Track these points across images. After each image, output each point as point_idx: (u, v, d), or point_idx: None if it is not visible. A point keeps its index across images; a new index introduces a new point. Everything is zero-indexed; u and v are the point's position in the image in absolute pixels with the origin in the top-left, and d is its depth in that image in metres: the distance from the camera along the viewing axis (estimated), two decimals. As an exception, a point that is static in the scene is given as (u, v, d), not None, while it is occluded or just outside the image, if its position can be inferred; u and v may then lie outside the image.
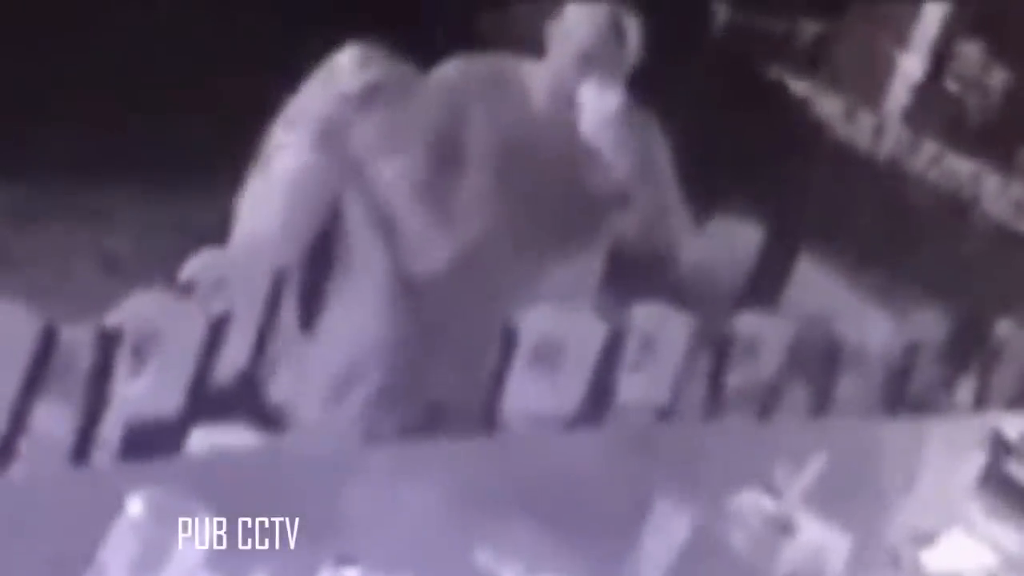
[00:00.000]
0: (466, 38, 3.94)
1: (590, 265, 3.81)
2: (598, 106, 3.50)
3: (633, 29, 3.60)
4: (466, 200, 3.57)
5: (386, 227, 3.57)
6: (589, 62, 3.52)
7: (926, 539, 3.07)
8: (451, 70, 3.66)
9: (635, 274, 3.81)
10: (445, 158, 3.57)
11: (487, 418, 3.49)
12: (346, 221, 3.56)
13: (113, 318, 2.91)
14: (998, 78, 8.25)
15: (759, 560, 2.70)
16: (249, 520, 2.17)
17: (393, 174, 3.57)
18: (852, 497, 3.01)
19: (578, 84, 3.53)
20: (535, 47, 3.66)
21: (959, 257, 7.22)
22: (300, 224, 3.44)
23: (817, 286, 6.88)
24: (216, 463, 2.72)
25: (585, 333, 3.67)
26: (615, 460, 3.11)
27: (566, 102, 3.58)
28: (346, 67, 3.42)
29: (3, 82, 5.11)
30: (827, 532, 2.74)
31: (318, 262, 3.61)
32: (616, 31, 3.57)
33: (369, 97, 3.39)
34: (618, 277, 3.87)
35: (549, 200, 3.61)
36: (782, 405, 4.22)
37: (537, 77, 3.63)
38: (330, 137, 3.39)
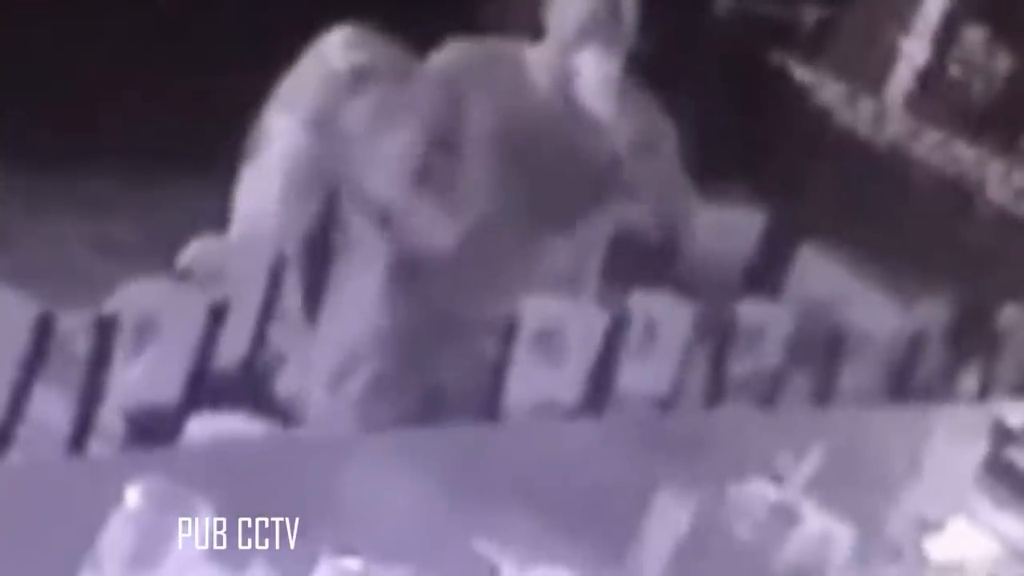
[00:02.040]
0: (465, 23, 3.92)
1: (592, 248, 3.79)
2: (596, 72, 3.50)
3: (630, 8, 3.58)
4: (466, 185, 3.55)
5: (385, 212, 3.55)
6: (587, 40, 3.51)
7: (930, 527, 3.06)
8: (449, 55, 3.64)
9: (638, 262, 3.80)
10: (444, 143, 3.56)
11: (488, 407, 3.47)
12: (344, 206, 3.54)
13: (111, 304, 2.89)
14: (1002, 63, 8.22)
15: (762, 549, 2.68)
16: (249, 510, 2.15)
17: (390, 158, 3.56)
18: (855, 486, 3.00)
19: (576, 60, 3.52)
20: (533, 32, 3.65)
21: (963, 244, 7.21)
22: (298, 208, 3.42)
23: (820, 274, 6.87)
24: (215, 452, 2.70)
25: (587, 321, 3.65)
26: (617, 449, 3.10)
27: (565, 83, 3.57)
28: (336, 47, 3.39)
29: (3, 70, 5.10)
30: (830, 521, 2.72)
31: (318, 248, 3.59)
32: (613, 10, 3.56)
33: (360, 77, 3.37)
34: (621, 265, 3.85)
35: (549, 183, 3.60)
36: (785, 393, 4.21)
37: (536, 59, 3.61)
38: (323, 119, 3.37)
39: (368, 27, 3.43)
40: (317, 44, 3.42)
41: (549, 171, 3.60)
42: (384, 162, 3.56)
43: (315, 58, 3.41)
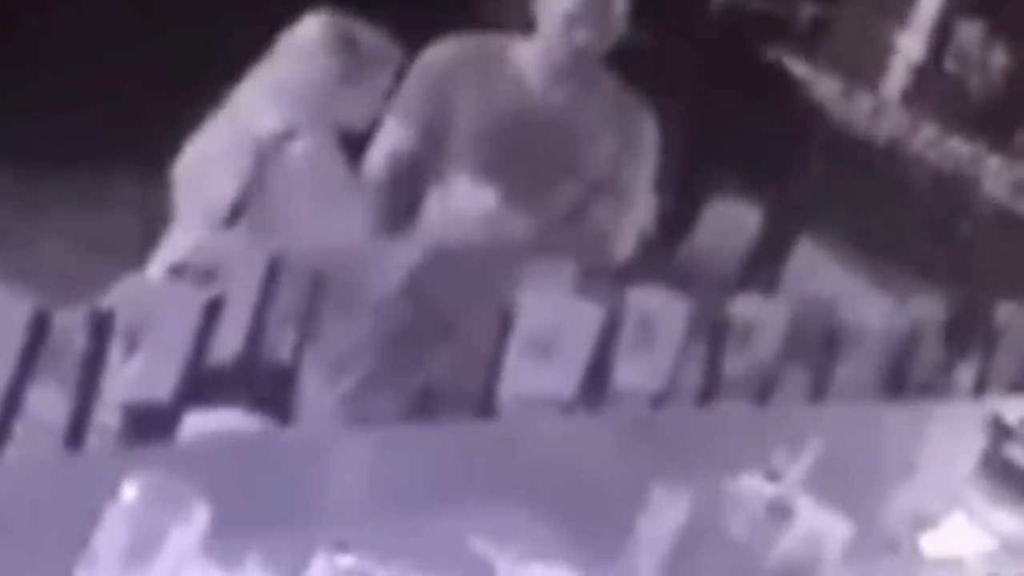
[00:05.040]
0: (458, 16, 3.91)
1: (578, 243, 3.78)
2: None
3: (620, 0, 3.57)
4: (458, 182, 3.55)
5: (378, 206, 3.55)
6: (576, 27, 3.50)
7: (926, 524, 3.06)
8: (441, 51, 3.63)
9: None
10: (437, 139, 3.55)
11: (483, 403, 3.47)
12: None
13: (106, 301, 2.89)
14: (998, 58, 8.23)
15: (757, 545, 2.68)
16: (244, 506, 2.15)
17: (384, 152, 3.55)
18: (851, 482, 3.00)
19: (567, 52, 3.51)
20: (525, 26, 3.64)
21: (959, 239, 7.21)
22: (314, 206, 3.40)
23: (815, 269, 6.86)
24: (211, 448, 2.70)
25: (581, 318, 3.65)
26: (612, 445, 3.10)
27: (557, 77, 3.56)
28: (322, 39, 3.37)
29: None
30: (826, 517, 2.72)
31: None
32: (602, 1, 3.55)
33: (351, 67, 3.35)
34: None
35: (538, 178, 3.59)
36: (780, 389, 4.21)
37: (527, 54, 3.60)
38: (323, 114, 3.35)
39: (349, 14, 3.42)
40: (296, 31, 3.40)
41: (538, 166, 3.59)
42: (380, 157, 3.56)
43: (297, 47, 3.38)
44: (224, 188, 3.31)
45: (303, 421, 3.35)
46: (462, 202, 3.53)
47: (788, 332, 4.20)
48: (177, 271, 3.16)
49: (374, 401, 3.52)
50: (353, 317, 3.54)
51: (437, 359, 3.57)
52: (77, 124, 5.21)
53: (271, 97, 3.34)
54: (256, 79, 3.38)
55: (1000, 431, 3.60)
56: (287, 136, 3.30)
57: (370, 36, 3.38)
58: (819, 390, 4.37)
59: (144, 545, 1.82)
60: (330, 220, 3.34)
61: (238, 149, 3.31)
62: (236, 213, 3.30)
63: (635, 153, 3.68)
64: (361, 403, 3.52)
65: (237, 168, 3.30)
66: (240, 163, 3.30)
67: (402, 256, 3.53)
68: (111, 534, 1.84)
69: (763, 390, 4.18)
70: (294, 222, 3.31)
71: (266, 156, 3.29)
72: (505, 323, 3.50)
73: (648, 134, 3.71)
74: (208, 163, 3.38)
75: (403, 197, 3.56)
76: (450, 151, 3.56)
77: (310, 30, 3.38)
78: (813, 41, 8.13)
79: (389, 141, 3.57)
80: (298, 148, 3.30)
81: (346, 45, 3.33)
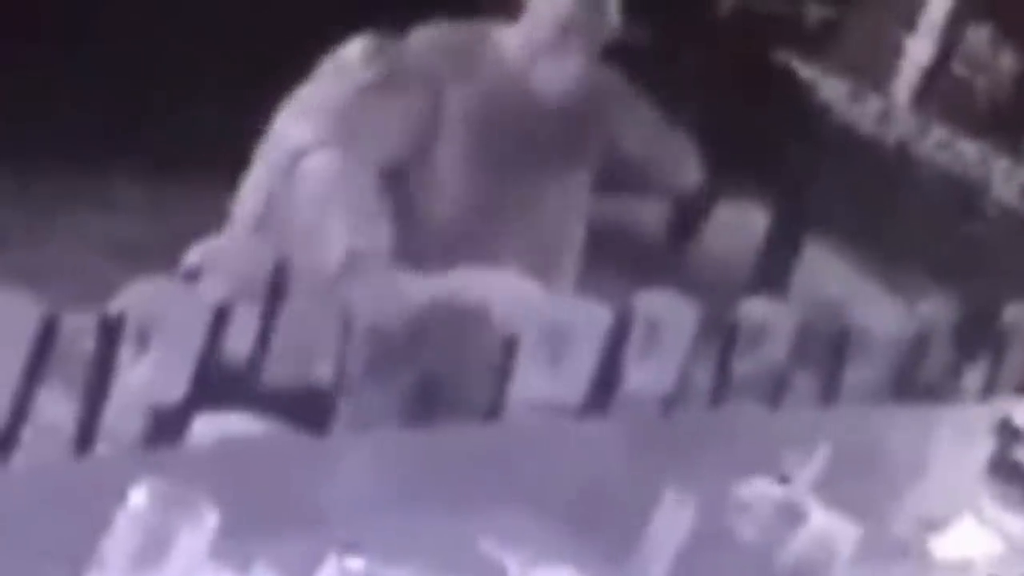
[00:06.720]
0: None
1: (573, 237, 3.78)
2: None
3: None
4: (445, 172, 3.53)
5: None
6: (567, 27, 3.48)
7: (935, 526, 3.06)
8: (424, 39, 3.61)
9: (642, 253, 3.79)
10: (426, 132, 3.54)
11: (492, 407, 3.47)
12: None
13: (116, 305, 2.90)
14: (1006, 62, 8.22)
15: (767, 548, 2.68)
16: (253, 509, 2.15)
17: (382, 147, 3.55)
18: (861, 485, 3.00)
19: (552, 50, 3.49)
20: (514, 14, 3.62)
21: (968, 242, 7.20)
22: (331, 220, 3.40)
23: (825, 272, 6.87)
24: (220, 452, 2.71)
25: (590, 321, 3.65)
26: (622, 448, 3.10)
27: (545, 64, 3.54)
28: (360, 57, 3.37)
29: (7, 68, 5.10)
30: (835, 520, 2.72)
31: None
32: None
33: (384, 89, 3.36)
34: (624, 258, 3.83)
35: (528, 168, 3.58)
36: (790, 392, 4.20)
37: (511, 42, 3.58)
38: (355, 135, 3.36)
39: (384, 35, 3.42)
40: (339, 52, 3.41)
41: (527, 155, 3.58)
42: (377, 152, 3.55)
43: (339, 71, 3.38)
44: (252, 200, 3.34)
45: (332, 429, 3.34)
46: (455, 194, 3.52)
47: (797, 335, 4.19)
48: (190, 275, 3.16)
49: (372, 402, 3.51)
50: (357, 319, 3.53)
51: (445, 362, 3.56)
52: (87, 126, 5.22)
53: (305, 112, 3.36)
54: (295, 99, 3.41)
55: (1009, 434, 3.59)
56: (315, 147, 3.32)
57: (407, 56, 3.39)
58: (829, 393, 4.36)
59: (153, 549, 1.83)
60: (351, 231, 3.34)
61: (270, 164, 3.34)
62: (259, 221, 3.31)
63: (631, 121, 3.67)
64: (360, 404, 3.50)
65: (265, 180, 3.33)
66: (268, 175, 3.32)
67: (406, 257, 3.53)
68: (120, 538, 1.84)
69: (773, 393, 4.17)
70: (314, 232, 3.32)
71: (292, 166, 3.30)
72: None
73: (626, 98, 3.69)
74: (250, 186, 3.41)
75: (394, 188, 3.55)
76: (439, 140, 3.54)
77: (352, 50, 3.39)
78: (821, 43, 8.12)
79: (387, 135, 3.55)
80: (325, 160, 3.31)
81: (381, 63, 3.34)
